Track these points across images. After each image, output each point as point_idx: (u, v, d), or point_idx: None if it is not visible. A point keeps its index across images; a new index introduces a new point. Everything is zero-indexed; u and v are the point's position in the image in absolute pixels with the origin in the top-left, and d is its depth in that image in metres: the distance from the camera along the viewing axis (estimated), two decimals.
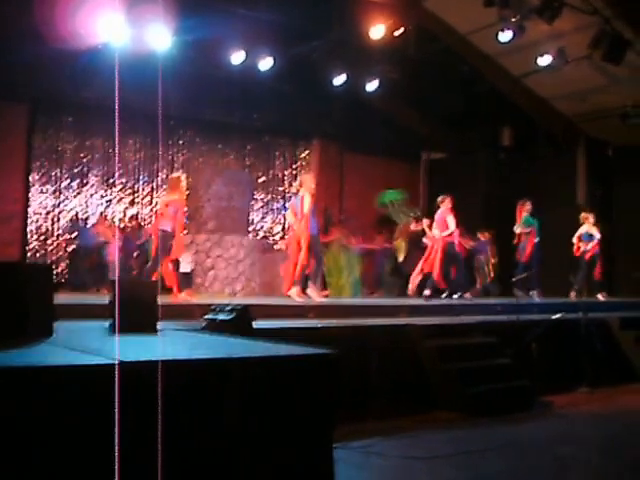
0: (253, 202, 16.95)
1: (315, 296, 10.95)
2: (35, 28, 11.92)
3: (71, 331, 5.49)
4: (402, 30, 13.98)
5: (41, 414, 3.28)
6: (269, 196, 17.68)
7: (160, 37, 12.79)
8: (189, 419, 3.70)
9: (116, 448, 3.35)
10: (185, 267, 13.81)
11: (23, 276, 5.02)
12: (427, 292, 12.74)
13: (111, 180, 15.69)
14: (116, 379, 3.36)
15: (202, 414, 3.77)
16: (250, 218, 16.68)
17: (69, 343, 4.59)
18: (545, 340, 9.52)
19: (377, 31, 13.67)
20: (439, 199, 13.10)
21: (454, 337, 9.02)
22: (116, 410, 3.35)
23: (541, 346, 9.39)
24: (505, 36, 13.27)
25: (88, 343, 4.63)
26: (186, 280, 13.88)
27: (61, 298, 5.53)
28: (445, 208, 12.91)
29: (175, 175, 11.45)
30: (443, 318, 10.06)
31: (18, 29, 12.23)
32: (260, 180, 17.48)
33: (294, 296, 10.81)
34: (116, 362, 3.55)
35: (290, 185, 17.62)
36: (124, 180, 15.85)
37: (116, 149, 15.59)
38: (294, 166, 18.02)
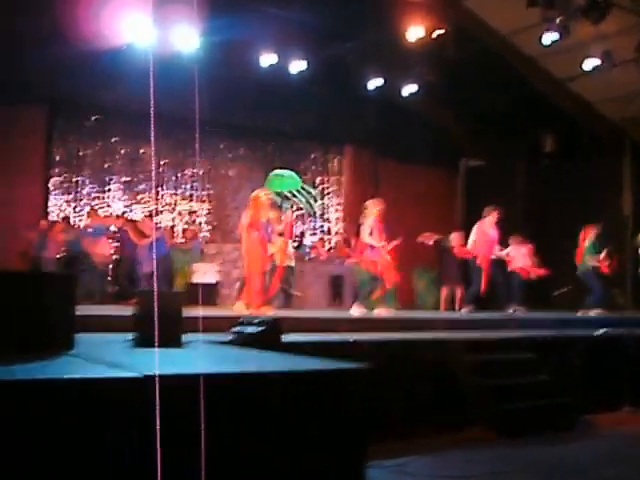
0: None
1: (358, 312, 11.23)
2: (56, 28, 12.12)
3: (94, 343, 5.57)
4: (440, 31, 13.99)
5: (64, 428, 3.35)
6: (300, 204, 17.69)
7: (187, 38, 12.94)
8: (216, 434, 3.74)
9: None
10: (210, 278, 13.92)
11: (44, 286, 5.11)
12: (467, 307, 12.80)
13: (136, 185, 15.78)
14: (145, 393, 3.43)
15: (229, 430, 3.81)
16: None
17: (93, 356, 4.67)
18: (587, 356, 9.47)
19: (414, 32, 13.70)
20: (486, 210, 13.11)
21: (492, 352, 8.99)
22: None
23: (583, 363, 9.35)
24: (549, 38, 13.24)
25: (113, 356, 4.70)
26: (211, 292, 14.01)
27: (81, 309, 5.58)
28: (490, 221, 12.95)
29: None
30: (481, 333, 10.04)
31: (38, 29, 12.37)
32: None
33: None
34: (142, 376, 3.62)
35: (322, 193, 17.71)
36: (148, 186, 15.95)
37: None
38: (325, 173, 18.04)
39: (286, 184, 12.89)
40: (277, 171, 12.98)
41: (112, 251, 14.21)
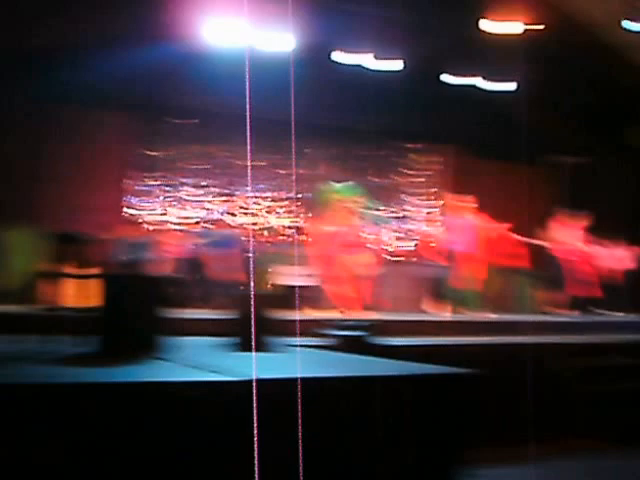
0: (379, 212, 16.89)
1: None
2: (145, 31, 12.28)
3: (189, 347, 5.59)
4: (537, 26, 13.75)
5: (166, 431, 3.36)
6: (396, 205, 17.58)
7: (282, 40, 12.99)
8: (318, 438, 3.71)
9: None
10: (302, 281, 13.88)
11: (137, 289, 5.15)
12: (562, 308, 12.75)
13: (231, 190, 15.89)
14: (248, 396, 3.41)
15: (330, 434, 3.77)
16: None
17: (188, 359, 4.67)
18: None
19: (511, 26, 13.52)
20: (573, 215, 13.14)
21: (595, 357, 8.76)
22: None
23: None
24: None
25: (204, 360, 4.69)
26: (303, 295, 13.96)
27: (172, 313, 5.61)
28: (578, 224, 12.95)
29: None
30: (584, 336, 9.80)
31: (127, 32, 12.55)
32: (386, 189, 17.42)
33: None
34: (253, 379, 3.59)
35: (419, 194, 17.60)
36: (241, 190, 16.04)
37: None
38: (423, 174, 17.90)
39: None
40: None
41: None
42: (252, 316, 5.34)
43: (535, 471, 6.46)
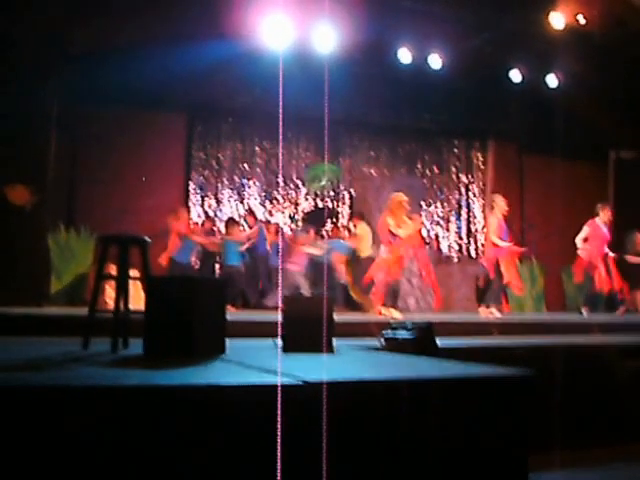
0: (425, 209, 16.84)
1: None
2: (194, 33, 12.39)
3: (243, 349, 5.60)
4: (586, 16, 13.60)
5: (220, 435, 3.36)
6: (443, 203, 17.51)
7: (325, 38, 13.02)
8: (377, 442, 3.70)
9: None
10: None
11: (196, 291, 5.18)
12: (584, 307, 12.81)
13: (273, 189, 15.96)
14: (304, 399, 3.41)
15: (387, 436, 3.75)
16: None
17: (244, 361, 4.68)
18: None
19: (558, 19, 13.39)
20: (598, 207, 13.09)
21: None
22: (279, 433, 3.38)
23: None
24: None
25: (265, 362, 4.70)
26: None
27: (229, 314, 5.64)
28: (602, 218, 12.89)
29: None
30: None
31: (177, 35, 12.65)
32: (433, 186, 17.37)
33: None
34: (300, 382, 3.59)
35: (467, 190, 17.53)
36: (287, 189, 16.12)
37: (279, 157, 15.89)
38: (469, 170, 17.82)
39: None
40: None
41: None
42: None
43: (601, 475, 6.39)
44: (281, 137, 14.44)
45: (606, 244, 12.99)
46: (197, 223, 14.85)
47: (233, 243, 13.28)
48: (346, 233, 14.75)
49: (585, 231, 12.89)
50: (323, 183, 15.45)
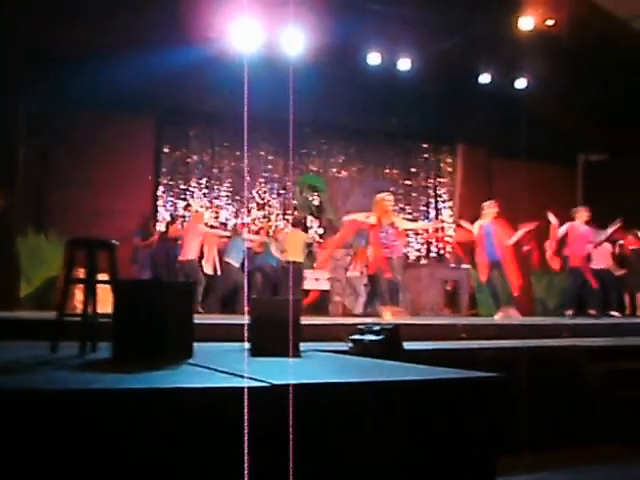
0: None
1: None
2: (163, 37, 12.41)
3: (210, 352, 5.64)
4: (553, 20, 13.74)
5: (187, 438, 3.40)
6: (411, 206, 17.60)
7: (293, 41, 13.08)
8: (342, 444, 3.74)
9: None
10: (324, 285, 13.95)
11: (163, 294, 5.21)
12: (592, 310, 12.76)
13: (242, 192, 15.98)
14: (271, 402, 3.45)
15: (352, 440, 3.79)
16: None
17: (211, 365, 4.71)
18: None
19: (525, 22, 13.54)
20: (575, 211, 13.23)
21: (623, 360, 8.73)
22: (246, 434, 3.43)
23: None
24: None
25: (232, 365, 4.74)
26: (323, 299, 14.04)
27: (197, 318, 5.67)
28: (580, 221, 12.96)
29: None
30: (610, 339, 9.77)
31: (145, 38, 12.66)
32: (401, 189, 17.45)
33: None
34: (267, 384, 3.64)
35: (435, 194, 17.64)
36: (255, 192, 16.15)
37: (245, 160, 15.92)
38: (438, 173, 17.93)
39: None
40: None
41: None
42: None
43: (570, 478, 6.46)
44: (246, 140, 14.43)
45: (587, 244, 13.15)
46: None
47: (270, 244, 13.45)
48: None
49: (562, 233, 12.98)
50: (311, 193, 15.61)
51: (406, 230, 12.70)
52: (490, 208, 12.44)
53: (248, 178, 16.05)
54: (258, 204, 16.16)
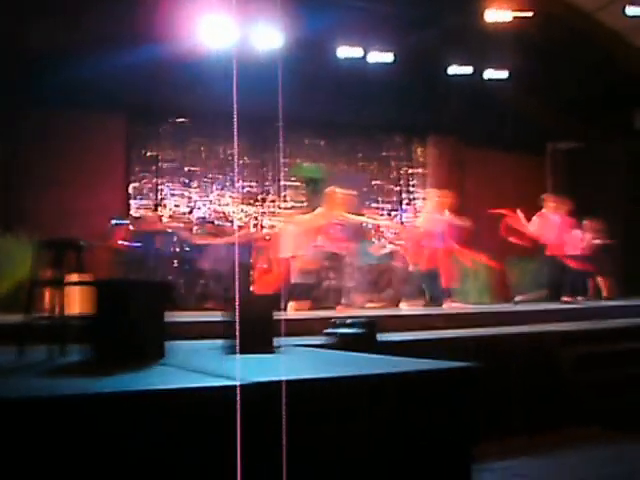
0: (367, 205, 16.85)
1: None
2: (134, 32, 12.31)
3: (185, 351, 5.57)
4: (524, 13, 13.77)
5: (159, 439, 3.34)
6: (384, 198, 17.56)
7: (267, 36, 13.03)
8: (319, 442, 3.70)
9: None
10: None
11: (134, 295, 5.12)
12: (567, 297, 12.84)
13: (218, 187, 15.88)
14: (238, 401, 3.40)
15: (333, 436, 3.76)
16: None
17: (185, 364, 4.65)
18: None
19: (496, 15, 13.56)
20: (543, 198, 13.40)
21: (595, 344, 8.77)
22: (238, 435, 3.38)
23: None
24: (634, 10, 12.99)
25: (205, 364, 4.67)
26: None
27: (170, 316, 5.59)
28: (550, 208, 13.11)
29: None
30: (583, 323, 9.82)
31: (115, 35, 12.55)
32: (374, 181, 17.41)
33: None
34: (237, 383, 3.58)
35: (407, 185, 17.62)
36: (230, 187, 16.05)
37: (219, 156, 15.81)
38: (410, 164, 17.91)
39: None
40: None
41: None
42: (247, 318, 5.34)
43: (546, 462, 6.46)
44: (221, 136, 14.36)
45: (560, 232, 13.16)
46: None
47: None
48: None
49: (535, 224, 13.00)
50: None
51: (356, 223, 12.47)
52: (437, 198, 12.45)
53: (221, 175, 15.93)
54: (234, 199, 16.05)
